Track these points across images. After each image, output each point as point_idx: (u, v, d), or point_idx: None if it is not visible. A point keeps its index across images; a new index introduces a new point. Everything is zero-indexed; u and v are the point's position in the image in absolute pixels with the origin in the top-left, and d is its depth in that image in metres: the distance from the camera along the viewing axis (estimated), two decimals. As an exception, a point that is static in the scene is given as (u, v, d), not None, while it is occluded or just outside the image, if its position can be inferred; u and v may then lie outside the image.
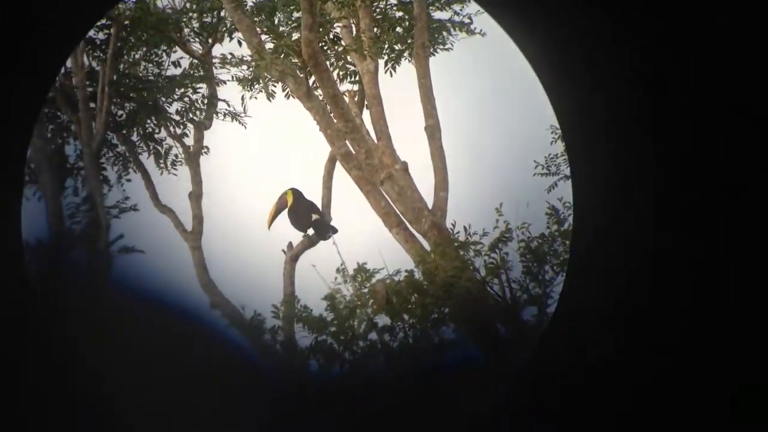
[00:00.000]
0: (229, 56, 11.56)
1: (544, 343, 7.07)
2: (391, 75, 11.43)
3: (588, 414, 6.06)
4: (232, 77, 11.63)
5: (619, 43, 5.78)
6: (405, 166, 10.47)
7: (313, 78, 10.53)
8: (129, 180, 11.58)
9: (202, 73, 11.76)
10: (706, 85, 5.46)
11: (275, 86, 11.35)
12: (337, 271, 9.59)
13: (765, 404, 5.52)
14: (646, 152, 5.84)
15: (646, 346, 5.91)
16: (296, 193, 10.89)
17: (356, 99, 11.23)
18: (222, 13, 11.52)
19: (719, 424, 5.67)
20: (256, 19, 11.11)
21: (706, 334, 5.70)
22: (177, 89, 11.75)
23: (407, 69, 11.23)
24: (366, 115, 10.97)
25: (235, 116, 11.75)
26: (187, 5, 11.59)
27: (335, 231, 10.61)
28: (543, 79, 6.54)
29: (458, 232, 9.66)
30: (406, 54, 11.39)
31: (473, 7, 11.23)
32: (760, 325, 5.53)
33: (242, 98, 11.59)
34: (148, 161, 11.72)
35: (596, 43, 5.91)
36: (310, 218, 10.73)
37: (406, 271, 9.36)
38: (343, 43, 11.42)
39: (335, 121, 10.48)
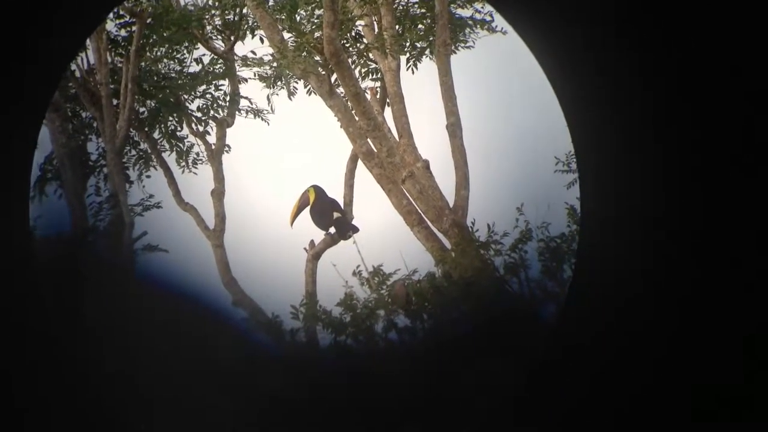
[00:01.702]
0: (251, 54, 11.58)
1: (554, 340, 7.10)
2: (413, 73, 11.47)
3: (597, 409, 6.09)
4: (254, 74, 11.67)
5: (625, 41, 5.78)
6: (426, 164, 10.47)
7: (335, 75, 10.55)
8: (149, 176, 11.64)
9: (224, 69, 11.77)
10: (712, 83, 5.46)
11: (297, 84, 11.40)
12: (354, 274, 9.60)
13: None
14: (653, 152, 5.84)
15: (650, 349, 5.93)
16: (318, 191, 10.87)
17: (378, 97, 11.26)
18: (244, 11, 11.54)
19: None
20: (277, 16, 11.12)
21: (710, 332, 5.71)
22: (199, 86, 11.77)
23: (429, 67, 11.24)
24: (388, 112, 10.99)
25: (257, 113, 11.78)
26: (210, 2, 11.63)
27: (356, 230, 10.55)
28: (551, 79, 6.54)
29: (477, 230, 9.65)
30: (427, 52, 11.40)
31: (494, 5, 11.20)
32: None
33: (268, 97, 11.64)
34: (170, 159, 11.77)
35: (602, 41, 5.91)
36: (331, 216, 10.70)
37: (428, 273, 9.37)
38: (365, 40, 11.43)
39: (357, 118, 10.49)
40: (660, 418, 5.83)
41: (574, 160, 10.67)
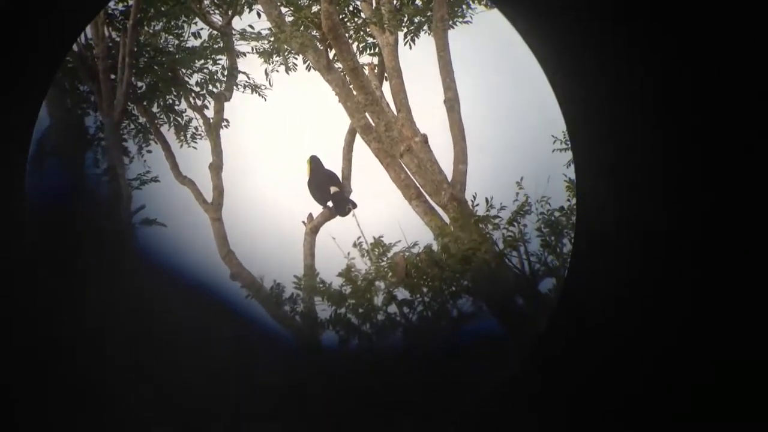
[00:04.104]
0: (249, 29, 11.55)
1: (554, 318, 7.13)
2: (411, 48, 11.43)
3: (596, 388, 6.12)
4: (253, 49, 11.65)
5: (621, 26, 5.79)
6: (424, 139, 10.48)
7: (332, 50, 10.54)
8: (150, 151, 11.64)
9: (222, 44, 11.75)
10: (711, 73, 5.47)
11: (295, 59, 11.38)
12: (354, 245, 9.64)
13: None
14: (648, 136, 5.86)
15: (651, 326, 5.96)
16: (314, 162, 10.89)
17: (376, 71, 11.23)
18: (242, -16, 11.52)
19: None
20: (275, -9, 11.11)
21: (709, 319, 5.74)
22: (197, 61, 11.75)
23: (427, 42, 11.23)
24: (386, 87, 10.98)
25: (255, 88, 11.77)
26: (208, -24, 11.61)
27: (354, 205, 10.57)
28: (542, 63, 6.56)
29: (477, 205, 9.68)
30: (425, 27, 11.37)
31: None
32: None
33: (266, 72, 11.62)
34: (168, 133, 11.77)
35: (597, 25, 5.91)
36: (329, 191, 10.72)
37: (426, 245, 9.40)
38: (362, 15, 11.41)
39: (355, 93, 10.50)
40: (662, 393, 5.87)
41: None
